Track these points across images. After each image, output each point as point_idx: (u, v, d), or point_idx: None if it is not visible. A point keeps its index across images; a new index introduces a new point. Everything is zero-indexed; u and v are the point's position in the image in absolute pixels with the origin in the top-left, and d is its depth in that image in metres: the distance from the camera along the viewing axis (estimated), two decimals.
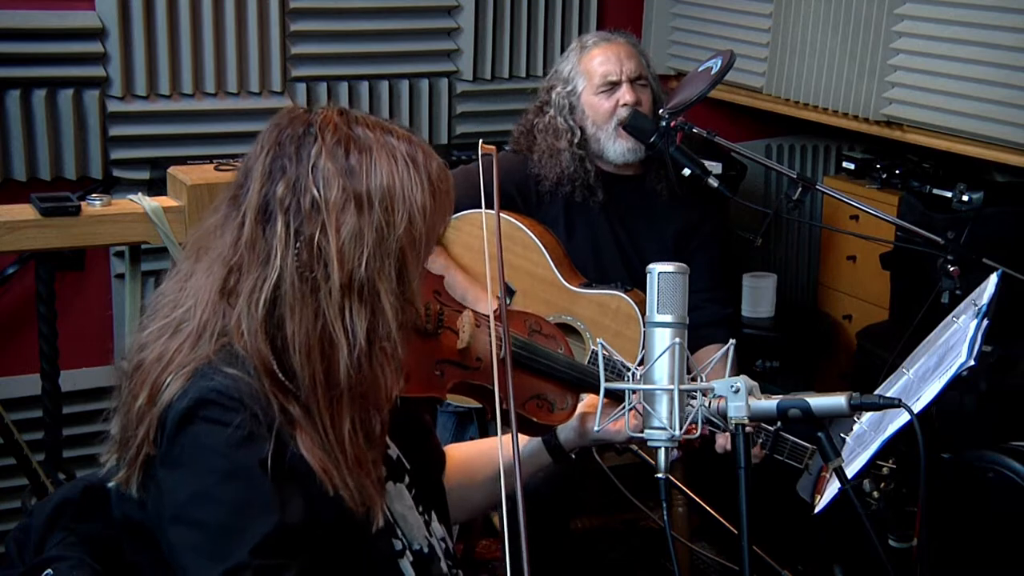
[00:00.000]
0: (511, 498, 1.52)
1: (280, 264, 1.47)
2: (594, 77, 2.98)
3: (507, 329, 1.75)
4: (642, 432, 1.58)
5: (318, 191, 1.47)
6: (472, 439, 3.03)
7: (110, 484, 1.55)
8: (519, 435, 1.89)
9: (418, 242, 1.52)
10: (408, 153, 1.52)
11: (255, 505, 1.43)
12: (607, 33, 3.09)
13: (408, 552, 1.64)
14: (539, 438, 1.90)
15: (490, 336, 1.84)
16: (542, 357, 1.87)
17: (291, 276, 1.47)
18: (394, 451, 1.72)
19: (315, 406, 1.48)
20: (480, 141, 1.78)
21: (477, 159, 1.87)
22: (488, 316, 1.80)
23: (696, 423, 1.58)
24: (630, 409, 1.62)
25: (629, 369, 1.62)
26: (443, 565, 1.70)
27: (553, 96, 3.04)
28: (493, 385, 1.80)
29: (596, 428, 1.71)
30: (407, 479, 1.71)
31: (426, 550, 1.67)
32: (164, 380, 1.47)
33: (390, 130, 1.54)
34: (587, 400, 1.91)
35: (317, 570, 1.50)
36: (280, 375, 1.47)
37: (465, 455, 1.93)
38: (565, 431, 1.90)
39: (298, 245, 1.47)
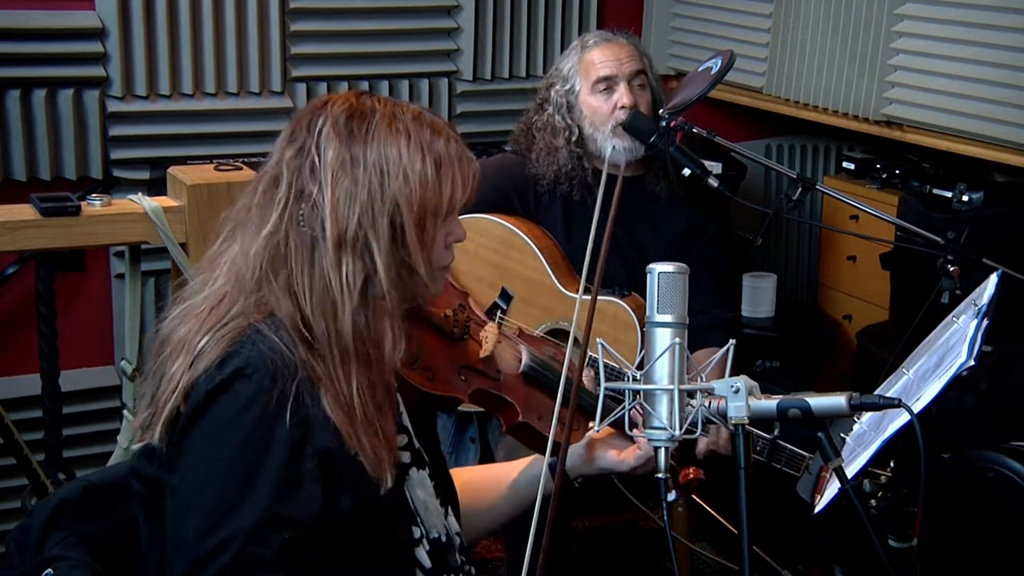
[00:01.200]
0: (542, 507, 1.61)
1: (282, 221, 1.56)
2: (592, 76, 2.97)
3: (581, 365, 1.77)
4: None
5: (319, 153, 1.56)
6: (472, 440, 3.04)
7: (135, 446, 1.58)
8: (526, 456, 1.97)
9: (419, 207, 1.57)
10: (411, 125, 1.59)
11: (258, 491, 1.46)
12: (609, 33, 3.06)
13: (425, 540, 1.67)
14: (544, 466, 1.92)
15: (517, 350, 1.97)
16: (558, 379, 1.90)
17: (292, 232, 1.55)
18: (416, 443, 1.74)
19: (330, 362, 1.53)
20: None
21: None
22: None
23: (696, 423, 1.58)
24: (630, 409, 1.62)
25: (628, 371, 1.63)
26: (457, 557, 1.73)
27: (552, 94, 3.02)
28: (510, 398, 1.92)
29: (596, 428, 1.72)
30: (428, 470, 1.74)
31: (444, 538, 1.71)
32: (201, 344, 1.51)
33: (401, 106, 1.61)
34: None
35: (328, 564, 1.52)
36: (304, 330, 1.53)
37: (470, 480, 1.95)
38: (571, 458, 1.93)
39: (302, 206, 1.55)
